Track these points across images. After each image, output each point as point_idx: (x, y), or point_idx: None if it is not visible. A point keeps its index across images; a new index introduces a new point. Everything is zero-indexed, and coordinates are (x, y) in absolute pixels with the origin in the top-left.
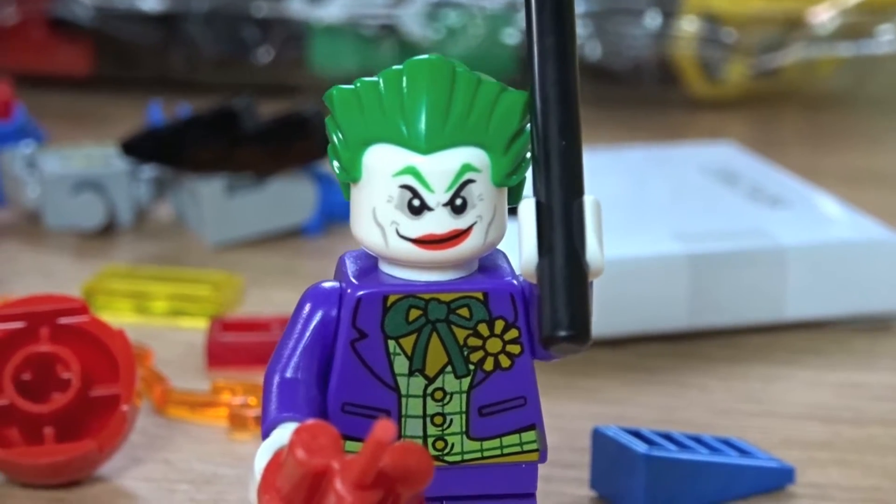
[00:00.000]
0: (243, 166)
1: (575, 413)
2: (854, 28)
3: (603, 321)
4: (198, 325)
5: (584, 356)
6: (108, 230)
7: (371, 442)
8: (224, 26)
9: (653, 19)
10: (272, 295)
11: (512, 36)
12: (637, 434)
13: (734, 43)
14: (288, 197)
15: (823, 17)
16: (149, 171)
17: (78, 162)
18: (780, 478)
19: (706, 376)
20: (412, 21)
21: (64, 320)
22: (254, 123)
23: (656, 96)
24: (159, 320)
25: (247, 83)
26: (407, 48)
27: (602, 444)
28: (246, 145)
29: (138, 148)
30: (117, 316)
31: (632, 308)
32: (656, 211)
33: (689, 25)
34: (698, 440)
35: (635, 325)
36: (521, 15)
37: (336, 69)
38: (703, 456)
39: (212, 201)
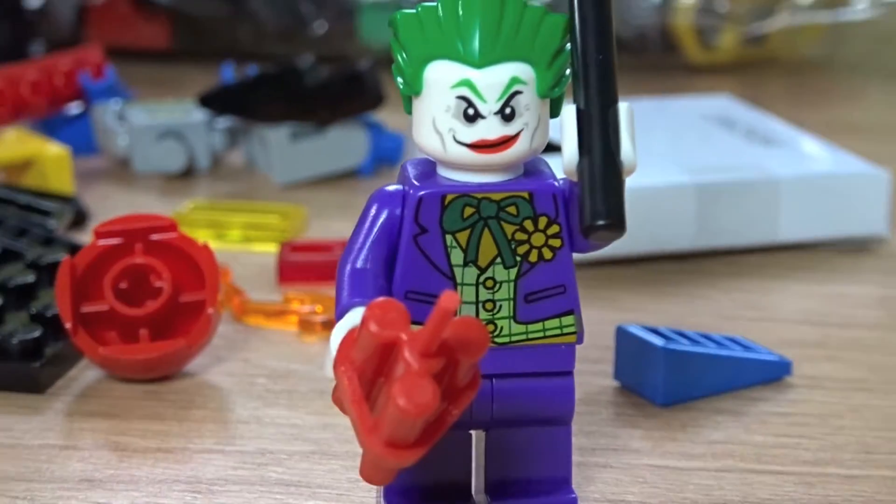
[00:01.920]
0: (306, 116)
1: (598, 319)
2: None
3: (620, 242)
4: (268, 249)
5: (605, 272)
6: (188, 173)
7: (437, 311)
8: (284, 2)
9: None
10: (331, 225)
11: None
12: (655, 331)
13: (727, 13)
14: (344, 143)
15: None
16: (223, 121)
17: (161, 115)
18: (779, 370)
19: (712, 289)
20: None
21: (156, 236)
22: (315, 79)
23: (659, 62)
24: (235, 246)
25: (301, 52)
26: None
27: (625, 339)
28: (308, 98)
29: (214, 101)
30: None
31: (646, 231)
32: (666, 150)
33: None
34: (708, 337)
35: (649, 246)
36: None
37: (381, 40)
38: (712, 349)
39: (279, 147)
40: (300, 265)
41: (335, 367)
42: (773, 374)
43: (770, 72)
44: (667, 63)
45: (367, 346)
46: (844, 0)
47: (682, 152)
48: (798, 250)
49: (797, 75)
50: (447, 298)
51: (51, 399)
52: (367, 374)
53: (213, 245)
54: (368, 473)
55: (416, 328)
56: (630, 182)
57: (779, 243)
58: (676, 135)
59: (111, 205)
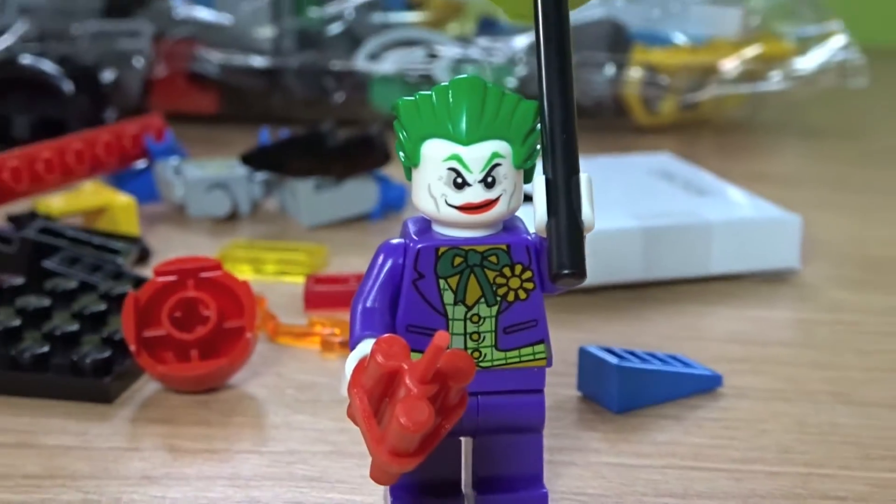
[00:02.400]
0: (327, 171)
1: (564, 338)
2: (751, 73)
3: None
4: (297, 281)
5: (568, 299)
6: (232, 217)
7: (432, 347)
8: (310, 77)
9: (609, 69)
10: (348, 261)
11: (510, 82)
12: (610, 351)
13: (667, 85)
14: (358, 193)
15: (730, 65)
16: (260, 175)
17: (210, 170)
18: (712, 382)
19: (656, 314)
20: (441, 71)
21: (204, 274)
22: (334, 141)
23: (612, 124)
24: (270, 278)
25: (325, 118)
26: None
27: (586, 358)
28: (329, 156)
29: (253, 159)
30: (240, 275)
31: (603, 265)
32: (618, 199)
33: (634, 73)
34: (653, 355)
35: (605, 278)
36: (518, 69)
37: (388, 107)
38: (657, 366)
39: (305, 196)
40: (322, 295)
41: (349, 388)
42: (707, 385)
43: (702, 132)
44: (618, 125)
45: (375, 373)
46: (762, 73)
47: (631, 201)
48: (726, 281)
49: (724, 134)
50: (440, 337)
51: (117, 408)
52: (375, 395)
53: (251, 277)
54: (376, 476)
55: (416, 356)
56: (591, 214)
57: (710, 275)
58: (626, 186)
59: (169, 244)
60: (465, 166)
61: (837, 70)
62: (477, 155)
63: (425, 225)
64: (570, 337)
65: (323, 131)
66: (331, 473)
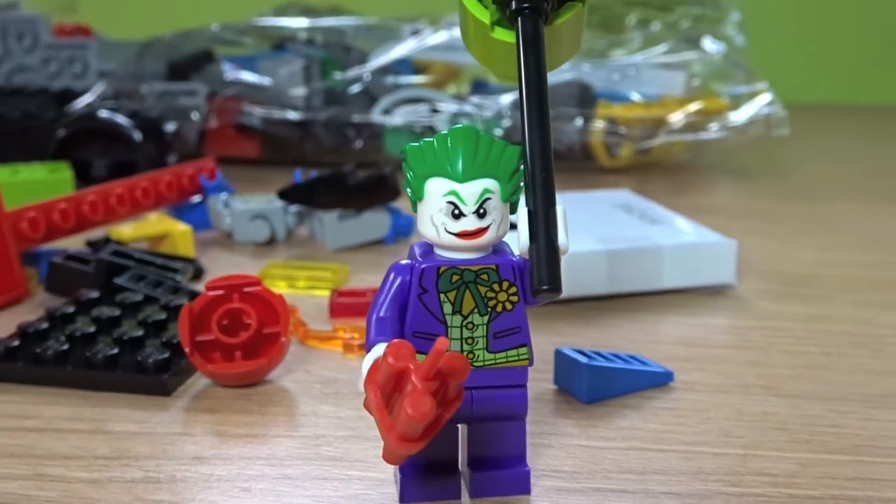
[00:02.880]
0: (348, 204)
1: (543, 341)
2: (694, 124)
3: None
4: (323, 294)
5: (547, 309)
6: (270, 242)
7: (433, 350)
8: (335, 128)
9: (578, 121)
10: (365, 277)
11: (498, 131)
12: (581, 352)
13: (625, 134)
14: (374, 222)
15: (676, 118)
16: (294, 208)
17: (253, 203)
18: (665, 378)
19: (618, 320)
20: (442, 124)
21: (247, 289)
22: (354, 180)
23: (580, 166)
24: (302, 292)
25: (347, 161)
26: None
27: (561, 357)
28: (350, 192)
29: (288, 194)
30: (276, 290)
31: (574, 282)
32: (586, 227)
33: (598, 125)
34: (616, 355)
35: (577, 292)
36: (504, 121)
37: (399, 152)
38: (619, 364)
39: (330, 224)
40: (344, 306)
41: (365, 384)
42: (660, 380)
43: (653, 172)
44: (586, 167)
45: (386, 372)
46: (702, 125)
47: (597, 229)
48: (675, 294)
49: (672, 174)
50: (440, 342)
51: (174, 400)
52: (387, 390)
53: (286, 291)
54: (388, 457)
55: (421, 357)
56: (566, 240)
57: (662, 290)
58: (592, 217)
59: (219, 264)
60: (461, 200)
61: (763, 122)
62: (471, 191)
63: (428, 249)
64: (547, 340)
65: (345, 172)
66: (351, 454)
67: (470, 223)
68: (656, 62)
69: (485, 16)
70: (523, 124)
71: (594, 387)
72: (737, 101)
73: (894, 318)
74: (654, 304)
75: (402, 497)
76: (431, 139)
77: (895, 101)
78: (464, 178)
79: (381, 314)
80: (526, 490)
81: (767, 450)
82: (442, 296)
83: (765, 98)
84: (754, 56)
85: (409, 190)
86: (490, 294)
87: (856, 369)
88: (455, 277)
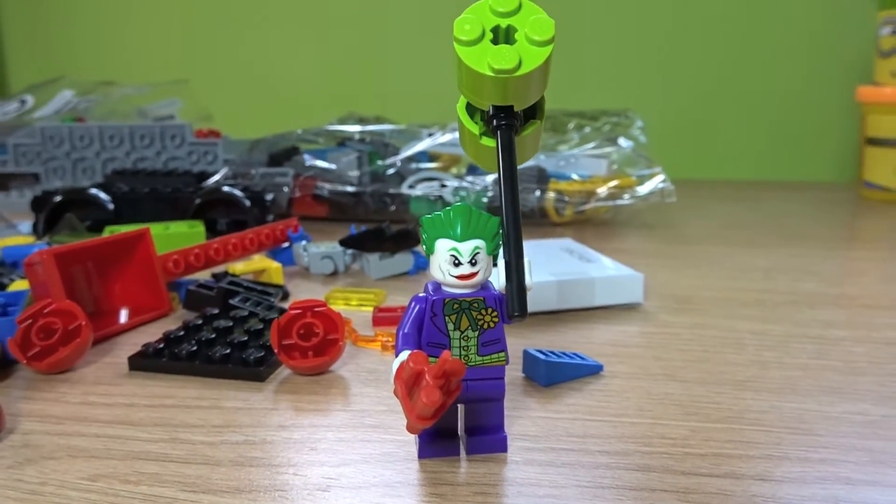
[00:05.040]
0: (385, 249)
1: (515, 343)
2: (613, 194)
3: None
4: (368, 310)
5: (519, 323)
6: (334, 274)
7: (441, 358)
8: (377, 197)
9: (536, 193)
10: (396, 298)
11: (484, 200)
12: (541, 351)
13: (568, 201)
14: (402, 260)
15: (603, 190)
16: (350, 251)
17: (323, 247)
18: (597, 368)
19: (565, 328)
20: (448, 194)
21: (317, 309)
22: (390, 232)
23: (538, 222)
24: (354, 308)
25: (385, 219)
26: (446, 204)
27: (527, 355)
28: (387, 241)
29: (346, 242)
30: (336, 307)
31: (536, 301)
32: (543, 264)
33: (550, 195)
34: (564, 353)
35: (537, 308)
36: (489, 193)
37: (421, 214)
38: (566, 360)
39: (374, 262)
40: (382, 318)
41: (394, 379)
42: (594, 370)
43: (587, 226)
44: (542, 222)
45: (408, 372)
46: (619, 195)
47: (550, 266)
48: (604, 309)
49: (599, 227)
50: (446, 353)
51: (267, 385)
52: (409, 384)
53: (343, 308)
54: (409, 429)
55: (432, 360)
56: (531, 280)
57: (595, 306)
58: (547, 257)
59: (300, 289)
60: (459, 254)
61: (659, 193)
62: (466, 248)
63: (437, 286)
64: (518, 342)
65: (383, 227)
66: (386, 423)
67: (465, 269)
68: (587, 153)
69: (475, 128)
70: (501, 202)
71: (549, 375)
72: (641, 179)
73: (750, 325)
74: (589, 316)
75: (419, 454)
76: (440, 213)
77: (746, 178)
78: (461, 239)
79: (406, 331)
80: (504, 449)
81: (668, 419)
82: (447, 318)
83: (659, 178)
84: (653, 147)
85: (424, 247)
86: (479, 316)
87: (726, 362)
88: (455, 305)
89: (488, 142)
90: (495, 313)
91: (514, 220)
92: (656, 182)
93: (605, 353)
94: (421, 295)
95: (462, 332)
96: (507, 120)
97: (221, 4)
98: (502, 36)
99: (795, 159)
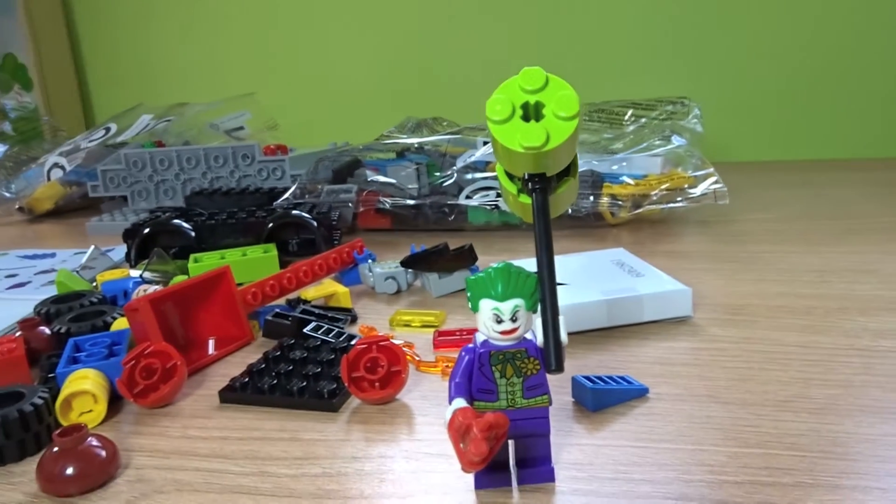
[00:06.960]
0: (444, 268)
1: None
2: (667, 196)
3: (573, 324)
4: (429, 333)
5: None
6: (397, 292)
7: (487, 416)
8: (436, 208)
9: (591, 196)
10: (455, 317)
11: None
12: (588, 378)
13: (622, 203)
14: (460, 278)
15: (655, 192)
16: (411, 271)
17: (387, 268)
18: (643, 392)
19: (613, 345)
20: (503, 204)
21: (381, 343)
22: (448, 253)
23: (594, 223)
24: (416, 330)
25: (446, 229)
26: (502, 213)
27: (575, 382)
28: (445, 260)
29: (408, 262)
30: (397, 329)
31: (585, 319)
32: (590, 282)
33: (604, 199)
34: (611, 378)
35: (587, 326)
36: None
37: (478, 224)
38: (613, 386)
39: (434, 281)
40: (442, 342)
41: (448, 429)
42: (640, 394)
43: (641, 226)
44: (598, 224)
45: (458, 424)
46: (672, 198)
47: (600, 282)
48: (654, 324)
49: (653, 227)
50: (491, 415)
51: (339, 415)
52: (460, 433)
53: (405, 331)
54: (463, 471)
55: (481, 405)
56: (578, 300)
57: (644, 321)
58: (597, 271)
59: (367, 309)
60: (501, 312)
61: (712, 195)
62: (507, 307)
63: (484, 339)
64: (570, 364)
65: (441, 248)
66: (446, 453)
67: (507, 326)
68: (641, 155)
69: (513, 188)
70: (538, 263)
71: (596, 401)
72: (695, 181)
73: (798, 338)
74: (638, 332)
75: (476, 485)
76: (482, 273)
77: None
78: (502, 299)
79: (458, 380)
80: (552, 479)
81: (708, 444)
82: (493, 367)
83: (712, 179)
84: (709, 131)
85: (470, 304)
86: (522, 365)
87: (769, 380)
88: (500, 356)
89: (525, 199)
90: (537, 362)
91: (549, 281)
92: (709, 184)
93: (653, 372)
94: (470, 346)
95: (508, 380)
96: (541, 184)
97: (275, 16)
98: (532, 111)
99: (856, 136)
